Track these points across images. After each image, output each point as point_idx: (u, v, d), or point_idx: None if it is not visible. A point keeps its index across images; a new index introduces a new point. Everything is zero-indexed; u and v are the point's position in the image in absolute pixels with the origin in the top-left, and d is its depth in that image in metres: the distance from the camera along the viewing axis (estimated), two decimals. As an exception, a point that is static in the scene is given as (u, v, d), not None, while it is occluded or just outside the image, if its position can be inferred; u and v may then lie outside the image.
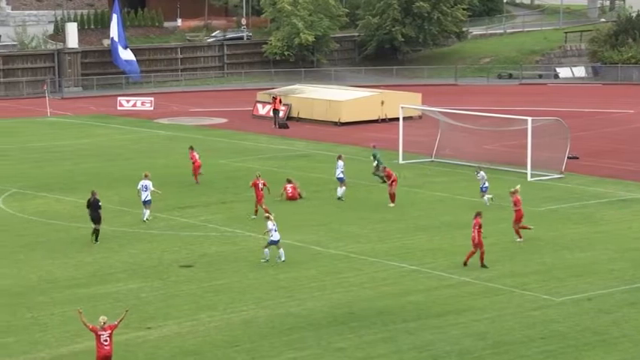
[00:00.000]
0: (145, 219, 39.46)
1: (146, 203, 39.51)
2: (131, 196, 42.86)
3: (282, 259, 34.13)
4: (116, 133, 63.75)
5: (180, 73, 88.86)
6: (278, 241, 34.21)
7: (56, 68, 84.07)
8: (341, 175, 43.83)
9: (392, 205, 42.14)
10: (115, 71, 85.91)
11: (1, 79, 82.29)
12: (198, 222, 39.85)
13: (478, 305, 29.79)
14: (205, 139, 60.58)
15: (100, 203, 36.67)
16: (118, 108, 74.09)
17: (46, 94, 72.77)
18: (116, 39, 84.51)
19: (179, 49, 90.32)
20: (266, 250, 34.24)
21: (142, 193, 39.42)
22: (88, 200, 37.03)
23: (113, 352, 23.81)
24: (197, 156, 46.82)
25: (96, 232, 36.61)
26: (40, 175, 47.68)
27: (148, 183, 39.48)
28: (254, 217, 39.84)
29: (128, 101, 75.64)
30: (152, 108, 74.30)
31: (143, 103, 75.20)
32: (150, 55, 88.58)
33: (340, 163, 44.00)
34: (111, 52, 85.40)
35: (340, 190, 43.56)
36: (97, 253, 35.39)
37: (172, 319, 28.54)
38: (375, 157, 48.09)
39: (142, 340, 26.90)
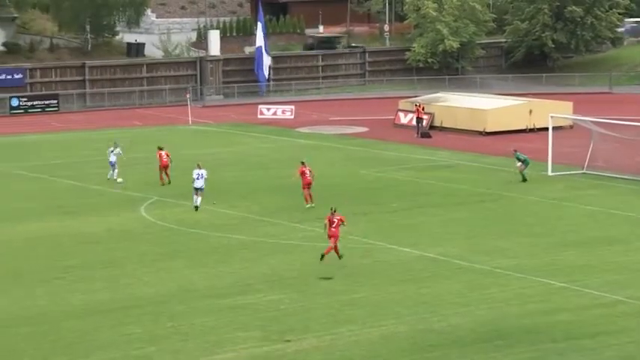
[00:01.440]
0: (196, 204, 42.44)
1: (199, 190, 42.46)
2: (271, 205, 42.57)
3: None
4: (256, 141, 63.83)
5: (320, 80, 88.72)
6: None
7: (198, 76, 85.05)
8: None
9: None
10: (255, 79, 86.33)
11: (145, 87, 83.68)
12: (340, 233, 39.08)
13: (632, 326, 28.32)
14: (346, 149, 60.06)
15: None
16: (259, 116, 74.31)
17: (188, 102, 73.53)
18: (262, 47, 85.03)
19: (320, 57, 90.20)
20: None
21: (197, 181, 42.53)
22: None
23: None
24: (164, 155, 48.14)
25: None
26: (181, 184, 47.79)
27: (203, 172, 42.59)
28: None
29: (269, 109, 75.78)
30: (292, 116, 74.24)
31: (284, 112, 75.21)
32: (291, 62, 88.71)
33: None
34: (255, 60, 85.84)
35: None
36: (236, 263, 35.12)
37: (311, 332, 27.94)
38: (519, 158, 46.96)
39: (281, 353, 26.38)
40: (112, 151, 50.04)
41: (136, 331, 28.02)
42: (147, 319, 29.10)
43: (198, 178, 42.67)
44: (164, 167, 48.36)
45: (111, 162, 49.70)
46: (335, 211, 35.47)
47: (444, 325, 28.44)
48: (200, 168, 43.09)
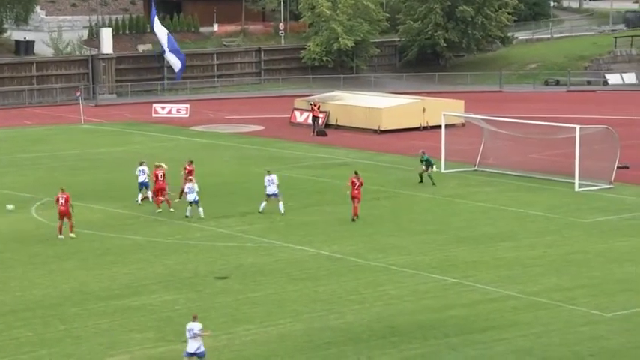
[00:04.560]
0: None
1: (271, 196, 41.65)
2: (163, 205, 42.20)
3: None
4: (151, 141, 63.21)
5: (216, 79, 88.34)
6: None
7: (90, 74, 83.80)
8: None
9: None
10: (149, 77, 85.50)
11: (35, 86, 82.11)
12: (234, 232, 39.09)
13: (523, 320, 28.88)
14: (242, 147, 59.90)
15: None
16: (153, 115, 73.59)
17: (80, 101, 72.40)
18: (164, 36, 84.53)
19: (215, 55, 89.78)
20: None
21: (268, 187, 41.58)
22: None
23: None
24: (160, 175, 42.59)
25: None
26: (73, 184, 47.01)
27: (274, 177, 41.68)
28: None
29: (163, 108, 75.11)
30: (188, 115, 73.74)
31: (179, 110, 74.64)
32: (186, 61, 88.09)
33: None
34: (166, 44, 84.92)
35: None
36: (131, 263, 34.73)
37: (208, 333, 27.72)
38: (425, 160, 47.30)
39: (177, 354, 26.13)
40: (142, 170, 43.89)
41: (26, 334, 27.51)
42: (38, 322, 28.58)
43: (269, 185, 41.33)
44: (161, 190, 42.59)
45: (143, 183, 43.76)
46: (357, 174, 40.24)
47: (340, 322, 28.61)
48: (270, 174, 41.67)
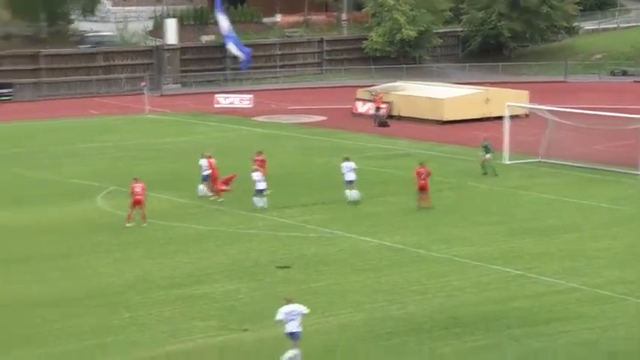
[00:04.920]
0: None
1: (350, 183, 41.90)
2: (230, 194, 42.44)
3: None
4: (214, 131, 63.61)
5: (278, 69, 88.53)
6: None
7: (155, 65, 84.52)
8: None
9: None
10: (212, 68, 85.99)
11: (102, 76, 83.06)
12: (297, 222, 39.18)
13: (588, 313, 28.55)
14: (304, 138, 60.01)
15: None
16: (216, 105, 74.04)
17: (145, 91, 73.09)
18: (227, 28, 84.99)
19: (278, 46, 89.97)
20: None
21: (347, 174, 42.01)
22: None
23: None
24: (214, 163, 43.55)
25: None
26: (137, 174, 47.38)
27: (352, 164, 41.97)
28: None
29: (226, 98, 75.54)
30: (250, 105, 74.05)
31: (241, 101, 74.99)
32: (250, 53, 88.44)
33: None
34: (228, 37, 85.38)
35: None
36: (194, 253, 34.99)
37: (269, 322, 27.79)
38: (486, 147, 46.99)
39: (239, 343, 26.36)
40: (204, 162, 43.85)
41: (92, 321, 27.84)
42: (103, 309, 28.90)
43: (348, 171, 41.58)
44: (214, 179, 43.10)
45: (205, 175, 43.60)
46: (423, 164, 40.73)
47: (402, 313, 28.53)
48: (348, 160, 42.12)
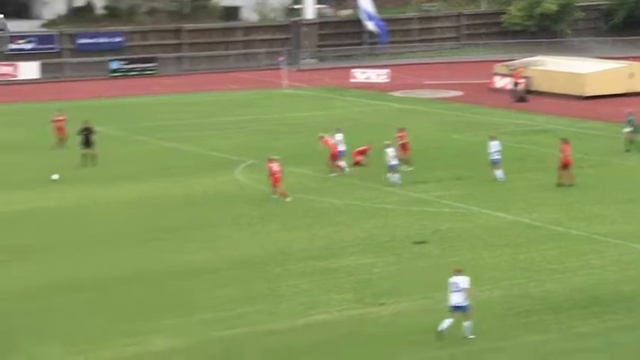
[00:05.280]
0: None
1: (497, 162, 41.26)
2: (366, 169, 42.61)
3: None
4: (350, 105, 63.85)
5: (416, 44, 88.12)
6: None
7: (293, 40, 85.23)
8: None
9: None
10: (350, 42, 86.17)
11: (241, 50, 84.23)
12: (432, 197, 39.11)
13: None
14: (440, 113, 59.68)
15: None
16: (352, 80, 74.23)
17: (283, 66, 73.82)
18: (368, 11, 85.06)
19: (416, 20, 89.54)
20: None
21: (494, 153, 41.20)
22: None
23: None
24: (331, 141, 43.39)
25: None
26: (274, 147, 48.19)
27: (497, 143, 41.19)
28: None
29: (363, 73, 75.65)
30: (387, 80, 73.98)
31: (378, 75, 75.00)
32: (385, 26, 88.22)
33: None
34: (364, 13, 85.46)
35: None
36: (330, 226, 35.32)
37: (405, 296, 28.03)
38: (630, 122, 45.87)
39: (376, 316, 26.54)
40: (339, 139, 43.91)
41: (233, 291, 28.46)
42: (243, 280, 29.50)
43: (495, 151, 41.14)
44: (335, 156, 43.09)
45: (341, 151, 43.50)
46: (565, 140, 40.09)
47: (540, 291, 28.24)
48: (495, 139, 41.66)
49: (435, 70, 78.73)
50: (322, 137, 43.85)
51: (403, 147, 43.55)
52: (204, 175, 43.43)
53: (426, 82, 73.04)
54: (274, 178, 38.89)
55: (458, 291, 24.64)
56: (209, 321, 26.15)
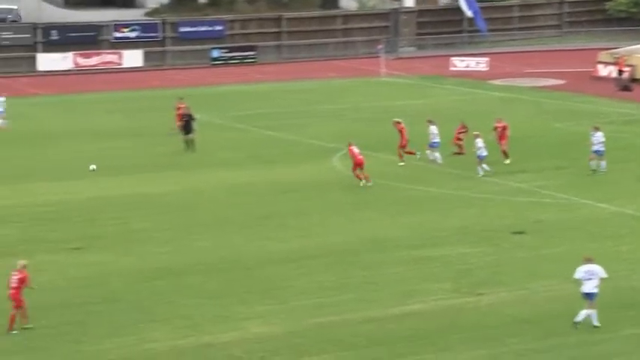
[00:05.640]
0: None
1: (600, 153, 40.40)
2: (462, 158, 42.26)
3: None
4: (449, 93, 63.37)
5: (516, 32, 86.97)
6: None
7: (392, 28, 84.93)
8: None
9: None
10: (449, 30, 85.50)
11: (340, 39, 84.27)
12: (532, 187, 38.56)
13: None
14: (540, 101, 58.83)
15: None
16: (451, 68, 73.67)
17: (381, 54, 73.61)
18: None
19: (516, 8, 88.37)
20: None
21: (596, 145, 40.34)
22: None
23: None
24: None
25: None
26: (372, 135, 48.12)
27: (601, 134, 40.29)
28: None
29: (462, 61, 75.03)
30: (486, 68, 73.20)
31: (477, 64, 74.27)
32: (485, 14, 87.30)
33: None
34: (465, 2, 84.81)
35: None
36: (427, 214, 35.12)
37: (504, 286, 27.72)
38: None
39: (474, 306, 26.30)
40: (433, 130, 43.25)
41: (328, 279, 28.50)
42: (339, 267, 29.52)
43: (598, 142, 40.32)
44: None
45: (435, 142, 43.04)
46: None
47: (644, 283, 27.66)
48: (598, 130, 40.56)
49: (535, 58, 77.62)
50: (397, 123, 43.51)
51: (501, 138, 42.94)
52: (302, 163, 43.59)
53: (526, 71, 72.05)
54: (358, 161, 38.73)
55: (591, 279, 24.35)
56: (305, 307, 26.24)
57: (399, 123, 43.28)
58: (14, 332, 24.51)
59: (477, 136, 40.81)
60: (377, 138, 47.34)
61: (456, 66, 74.32)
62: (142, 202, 37.24)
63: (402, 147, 42.78)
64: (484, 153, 40.37)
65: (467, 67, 74.13)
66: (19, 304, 24.51)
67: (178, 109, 49.40)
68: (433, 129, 43.41)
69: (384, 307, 26.28)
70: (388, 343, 24.02)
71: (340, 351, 23.60)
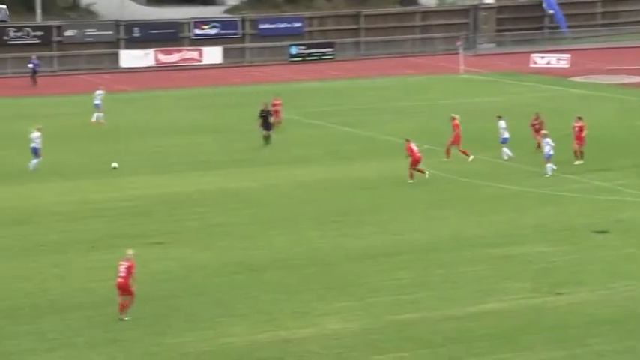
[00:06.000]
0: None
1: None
2: (539, 157, 41.83)
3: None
4: (528, 91, 62.75)
5: (598, 28, 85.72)
6: None
7: (471, 24, 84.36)
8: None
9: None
10: (529, 27, 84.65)
11: (418, 35, 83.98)
12: (613, 186, 38.01)
13: None
14: (623, 99, 57.92)
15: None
16: (531, 65, 72.94)
17: (460, 51, 73.18)
18: None
19: (599, 3, 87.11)
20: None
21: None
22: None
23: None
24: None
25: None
26: (449, 133, 47.79)
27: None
28: None
29: (542, 58, 74.24)
30: (567, 65, 72.31)
31: (558, 60, 73.43)
32: (567, 10, 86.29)
33: None
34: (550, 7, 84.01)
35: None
36: (507, 213, 34.84)
37: (584, 286, 27.37)
38: None
39: (553, 306, 26.01)
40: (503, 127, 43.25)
41: (406, 276, 28.45)
42: (417, 265, 29.45)
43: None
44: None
45: (504, 138, 43.07)
46: None
47: None
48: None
49: (618, 55, 76.47)
50: (454, 119, 43.18)
51: (577, 138, 42.24)
52: (379, 160, 43.57)
53: (608, 68, 71.00)
54: (416, 159, 38.60)
55: None
56: (382, 304, 26.23)
57: (454, 119, 43.02)
58: (126, 318, 25.12)
59: (545, 136, 40.28)
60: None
61: (536, 63, 73.57)
62: (220, 197, 37.61)
63: (454, 144, 42.40)
64: (551, 152, 39.85)
65: (547, 63, 73.35)
66: (127, 292, 25.16)
67: (274, 105, 50.00)
68: (502, 124, 43.08)
69: (463, 305, 26.15)
70: (466, 341, 23.90)
71: (417, 349, 23.53)
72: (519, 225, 33.28)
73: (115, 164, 41.84)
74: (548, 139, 39.96)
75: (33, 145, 41.84)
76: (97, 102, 53.65)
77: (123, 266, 25.28)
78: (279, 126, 49.64)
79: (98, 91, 54.38)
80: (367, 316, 25.51)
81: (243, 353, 23.43)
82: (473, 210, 35.30)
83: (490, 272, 28.68)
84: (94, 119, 52.98)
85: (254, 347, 23.73)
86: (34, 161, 41.73)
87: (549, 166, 39.87)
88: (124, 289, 25.15)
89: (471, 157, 42.34)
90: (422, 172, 39.18)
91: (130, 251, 25.72)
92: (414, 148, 39.30)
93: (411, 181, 38.91)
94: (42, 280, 28.32)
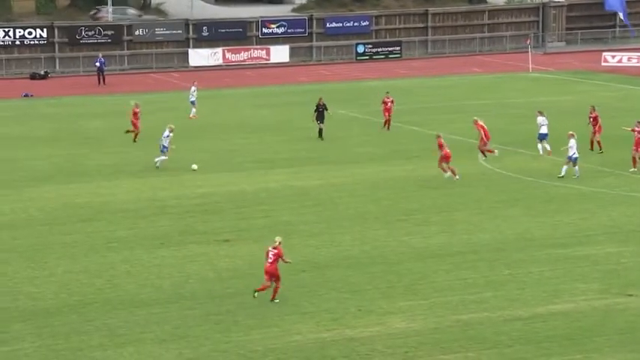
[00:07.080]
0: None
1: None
2: (614, 156, 41.31)
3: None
4: (599, 90, 61.96)
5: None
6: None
7: (540, 23, 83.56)
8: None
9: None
10: (600, 25, 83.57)
11: (486, 34, 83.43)
12: None
13: None
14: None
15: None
16: (602, 64, 72.01)
17: (529, 50, 72.54)
18: None
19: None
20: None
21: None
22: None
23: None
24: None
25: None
26: (516, 132, 47.48)
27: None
28: None
29: (614, 57, 73.25)
30: (639, 64, 71.27)
31: (630, 59, 72.39)
32: (638, 7, 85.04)
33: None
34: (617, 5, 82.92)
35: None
36: (575, 213, 34.48)
37: (654, 289, 26.95)
38: None
39: (623, 307, 25.73)
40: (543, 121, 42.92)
41: (472, 276, 28.31)
42: (483, 265, 29.29)
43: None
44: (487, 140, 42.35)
45: (543, 134, 42.94)
46: None
47: None
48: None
49: (690, 54, 75.11)
50: (476, 121, 42.74)
51: (637, 144, 41.26)
52: (446, 159, 43.31)
53: (682, 67, 69.88)
54: (446, 154, 38.52)
55: None
56: (448, 304, 26.14)
57: (476, 122, 42.60)
58: (276, 300, 26.14)
59: (570, 136, 39.20)
60: (521, 134, 46.69)
61: (607, 61, 72.64)
62: (286, 196, 37.76)
63: (484, 144, 42.09)
64: (576, 155, 38.85)
65: (619, 62, 72.38)
66: (275, 277, 26.15)
67: (385, 103, 50.29)
68: (541, 120, 42.63)
69: (530, 305, 25.95)
70: (533, 342, 23.71)
71: (483, 349, 23.42)
72: (589, 225, 32.94)
73: (194, 166, 42.21)
74: (572, 140, 38.90)
75: (162, 142, 42.37)
76: (192, 99, 54.97)
77: (271, 252, 26.18)
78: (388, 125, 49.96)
79: (193, 88, 55.45)
80: (432, 315, 25.44)
81: (310, 351, 23.52)
82: (541, 210, 35.00)
83: (558, 273, 28.41)
84: (191, 115, 54.51)
85: (320, 345, 23.81)
86: (161, 158, 42.30)
87: (575, 168, 38.91)
88: (272, 274, 26.15)
89: (483, 158, 41.86)
90: (446, 171, 38.85)
91: (278, 238, 26.44)
92: (444, 143, 38.94)
93: (447, 175, 38.63)
94: (111, 276, 28.72)
